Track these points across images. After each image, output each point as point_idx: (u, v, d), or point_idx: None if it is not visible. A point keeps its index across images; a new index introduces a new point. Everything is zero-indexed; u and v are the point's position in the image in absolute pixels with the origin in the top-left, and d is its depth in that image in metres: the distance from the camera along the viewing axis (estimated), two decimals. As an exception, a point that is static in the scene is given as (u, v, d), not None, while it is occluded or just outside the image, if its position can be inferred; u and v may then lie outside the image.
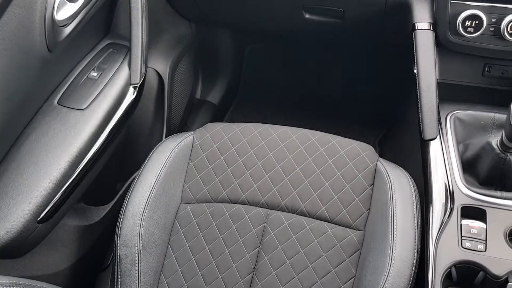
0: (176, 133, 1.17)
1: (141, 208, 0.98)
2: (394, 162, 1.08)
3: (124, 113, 1.09)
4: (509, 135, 0.89)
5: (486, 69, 1.19)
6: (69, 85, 1.07)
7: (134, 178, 1.05)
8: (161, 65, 1.43)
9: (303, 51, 1.85)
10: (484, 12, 1.01)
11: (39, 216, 0.91)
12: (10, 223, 0.87)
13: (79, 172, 0.98)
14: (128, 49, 1.13)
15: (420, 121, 1.05)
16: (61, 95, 1.05)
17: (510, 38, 1.01)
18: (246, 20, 1.49)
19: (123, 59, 1.14)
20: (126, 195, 1.02)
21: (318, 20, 1.29)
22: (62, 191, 0.95)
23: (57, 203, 0.94)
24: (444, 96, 1.17)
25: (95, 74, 1.10)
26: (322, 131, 1.12)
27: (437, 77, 1.22)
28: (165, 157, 1.06)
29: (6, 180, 0.91)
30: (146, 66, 1.15)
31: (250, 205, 1.03)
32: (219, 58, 1.80)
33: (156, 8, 1.38)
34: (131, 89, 1.12)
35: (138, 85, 1.13)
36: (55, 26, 0.95)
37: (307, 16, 1.29)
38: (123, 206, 1.00)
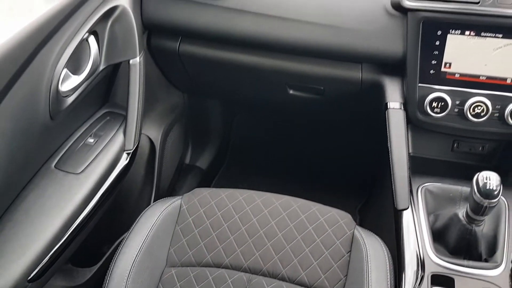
0: (165, 197, 1.23)
1: (127, 271, 1.02)
2: (372, 230, 1.14)
3: (117, 177, 1.16)
4: (473, 207, 0.97)
5: (455, 145, 1.29)
6: (66, 150, 1.14)
7: (121, 241, 1.10)
8: (154, 132, 1.52)
9: (288, 121, 1.96)
10: (449, 95, 1.12)
11: (30, 275, 0.94)
12: (2, 281, 0.90)
13: (70, 233, 1.03)
14: (124, 118, 1.22)
15: (393, 192, 1.13)
16: (59, 160, 1.12)
17: (472, 118, 1.12)
18: (234, 93, 1.61)
19: (119, 126, 1.22)
20: (113, 258, 1.06)
21: (301, 95, 1.40)
22: (53, 252, 0.99)
23: (48, 263, 0.98)
24: (417, 169, 1.26)
25: (92, 140, 1.17)
26: (305, 198, 1.18)
27: (410, 151, 1.32)
28: (152, 221, 1.11)
29: (2, 239, 0.95)
30: (140, 134, 1.23)
31: (233, 269, 1.07)
32: (209, 126, 1.90)
33: (153, 79, 1.48)
34: (124, 155, 1.19)
35: (132, 151, 1.21)
36: (58, 96, 1.04)
37: (291, 92, 1.40)
38: (109, 269, 1.04)
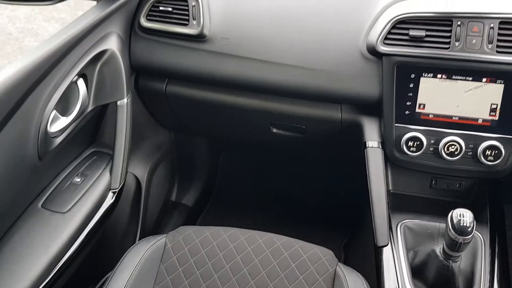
0: (150, 235, 1.25)
1: (111, 310, 1.03)
2: (356, 266, 1.16)
3: (102, 216, 1.18)
4: (448, 244, 1.00)
5: (433, 182, 1.33)
6: (53, 189, 1.16)
7: (106, 280, 1.10)
8: (140, 170, 1.54)
9: (273, 158, 2.00)
10: (424, 135, 1.18)
11: None
12: None
13: (56, 272, 1.04)
14: (111, 157, 1.25)
15: (373, 228, 1.16)
16: (45, 199, 1.14)
17: (447, 157, 1.17)
18: (220, 131, 1.65)
19: (106, 166, 1.25)
20: None
21: (284, 134, 1.45)
22: None
23: (32, 303, 0.99)
24: (397, 205, 1.29)
25: (79, 179, 1.20)
26: (291, 234, 1.21)
27: (390, 188, 1.36)
28: (137, 259, 1.12)
29: None
30: (126, 173, 1.26)
31: None
32: (195, 163, 1.93)
33: (140, 119, 1.52)
34: (110, 194, 1.21)
35: (117, 190, 1.23)
36: (47, 138, 1.07)
37: (274, 130, 1.44)
38: None
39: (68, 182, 1.19)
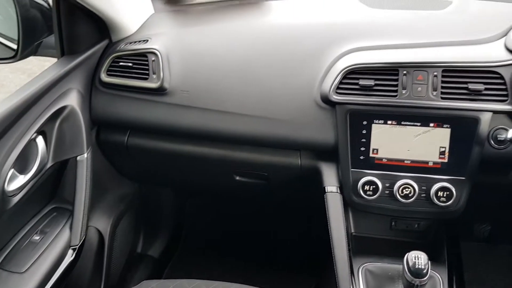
0: (114, 290, 1.23)
1: None
2: None
3: (62, 274, 1.15)
4: (406, 286, 1.03)
5: (393, 223, 1.37)
6: (11, 249, 1.14)
7: None
8: (103, 224, 1.52)
9: (240, 205, 2.01)
10: (379, 179, 1.22)
11: None
12: None
13: None
14: (71, 213, 1.23)
15: (335, 273, 1.17)
16: (3, 259, 1.11)
17: (401, 200, 1.21)
18: (184, 181, 1.66)
19: (66, 222, 1.24)
20: None
21: (247, 181, 1.47)
22: None
23: None
24: (359, 248, 1.32)
25: (37, 237, 1.18)
26: (258, 282, 1.20)
27: (353, 231, 1.39)
28: None
29: None
30: (87, 228, 1.25)
31: None
32: (161, 213, 1.92)
33: (102, 171, 1.52)
34: (70, 251, 1.19)
35: (78, 246, 1.21)
36: (4, 197, 1.05)
37: (237, 178, 1.46)
38: None
39: (27, 241, 1.17)
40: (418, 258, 1.00)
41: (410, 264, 1.00)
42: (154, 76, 1.31)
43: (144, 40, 1.36)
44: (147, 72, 1.31)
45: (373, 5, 1.41)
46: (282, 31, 1.34)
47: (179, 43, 1.35)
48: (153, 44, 1.33)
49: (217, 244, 1.99)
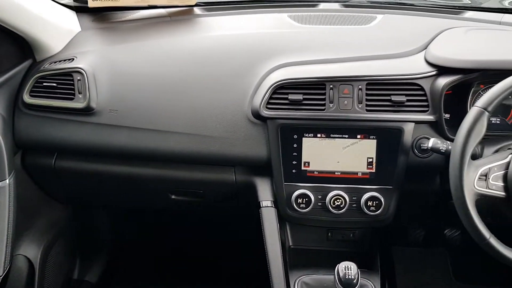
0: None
1: None
2: None
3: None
4: (338, 295, 1.04)
5: (329, 234, 1.39)
6: None
7: None
8: (33, 251, 1.45)
9: (179, 223, 1.98)
10: (311, 191, 1.23)
11: None
12: None
13: None
14: None
15: (271, 287, 1.17)
16: None
17: (333, 211, 1.23)
18: (118, 202, 1.61)
19: (-13, 252, 1.16)
20: None
21: (183, 199, 1.44)
22: None
23: None
24: (296, 261, 1.33)
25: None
26: None
27: (291, 244, 1.40)
28: None
29: None
30: (11, 258, 1.18)
31: None
32: (98, 236, 1.85)
33: (29, 196, 1.45)
34: (-8, 284, 1.12)
35: (2, 276, 1.14)
36: None
37: (173, 197, 1.44)
38: None
39: None
40: (348, 268, 1.02)
41: (341, 275, 1.01)
42: (80, 96, 1.27)
43: (69, 59, 1.32)
44: (72, 92, 1.27)
45: (301, 21, 1.44)
46: (212, 48, 1.34)
47: (107, 61, 1.32)
48: (79, 63, 1.29)
49: (157, 266, 1.94)
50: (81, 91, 1.26)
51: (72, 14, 1.50)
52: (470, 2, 1.78)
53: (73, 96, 1.27)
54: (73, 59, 1.32)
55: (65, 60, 1.32)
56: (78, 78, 1.27)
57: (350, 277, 1.00)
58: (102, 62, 1.31)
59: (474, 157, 1.11)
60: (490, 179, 1.03)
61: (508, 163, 1.04)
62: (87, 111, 1.26)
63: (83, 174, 1.38)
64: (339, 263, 1.21)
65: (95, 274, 1.79)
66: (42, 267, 1.46)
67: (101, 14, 1.53)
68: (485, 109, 1.01)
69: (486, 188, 1.02)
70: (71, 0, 1.54)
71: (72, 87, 1.27)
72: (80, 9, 1.52)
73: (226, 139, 1.25)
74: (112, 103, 1.27)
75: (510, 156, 1.05)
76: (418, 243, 1.81)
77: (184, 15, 1.53)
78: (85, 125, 1.28)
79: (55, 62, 1.32)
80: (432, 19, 1.47)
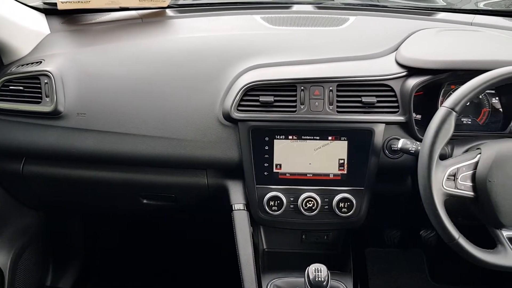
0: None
1: None
2: None
3: None
4: (309, 298, 1.03)
5: (303, 237, 1.39)
6: None
7: None
8: (2, 259, 1.41)
9: (150, 228, 1.95)
10: (283, 193, 1.23)
11: None
12: None
13: None
14: None
15: (243, 291, 1.16)
16: None
17: (305, 213, 1.22)
18: (88, 207, 1.58)
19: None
20: None
21: (155, 204, 1.42)
22: None
23: None
24: (270, 264, 1.32)
25: None
26: None
27: (265, 247, 1.39)
28: None
29: None
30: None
31: None
32: (70, 242, 1.82)
33: (-2, 202, 1.42)
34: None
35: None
36: None
37: (144, 201, 1.42)
38: None
39: None
40: (318, 270, 1.01)
41: (311, 277, 1.01)
42: (47, 99, 1.24)
43: (37, 62, 1.29)
44: (39, 95, 1.25)
45: (274, 23, 1.44)
46: (183, 50, 1.33)
47: (75, 64, 1.29)
48: (46, 66, 1.27)
49: (132, 271, 1.91)
50: (48, 94, 1.24)
51: (41, 17, 1.47)
52: (444, 4, 1.80)
53: (40, 100, 1.25)
54: (41, 62, 1.29)
55: (32, 63, 1.29)
56: (45, 81, 1.24)
57: (320, 279, 1.00)
58: (70, 64, 1.29)
59: (444, 157, 1.11)
60: (459, 179, 1.03)
61: (476, 163, 1.04)
62: (55, 114, 1.24)
63: (52, 179, 1.35)
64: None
65: (69, 280, 1.76)
66: (12, 274, 1.43)
67: (71, 16, 1.51)
68: (453, 109, 1.01)
69: (455, 188, 1.02)
70: (41, 3, 1.51)
71: (39, 90, 1.25)
72: (50, 11, 1.49)
73: (197, 142, 1.23)
74: (80, 107, 1.25)
75: (478, 156, 1.05)
76: (394, 244, 1.81)
77: (156, 17, 1.51)
78: (52, 129, 1.25)
79: (22, 65, 1.30)
80: (405, 21, 1.48)
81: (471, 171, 1.04)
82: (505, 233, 1.04)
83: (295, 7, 1.59)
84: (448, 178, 1.02)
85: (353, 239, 1.40)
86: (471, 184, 1.03)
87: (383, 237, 1.80)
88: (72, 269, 1.79)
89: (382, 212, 1.38)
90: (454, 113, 1.01)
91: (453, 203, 1.06)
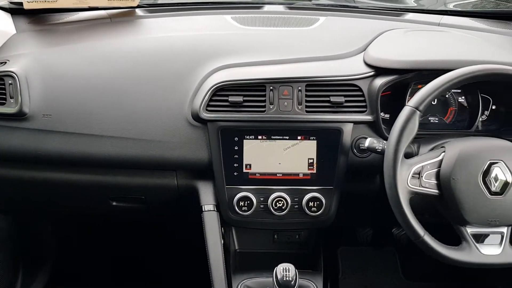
0: None
1: None
2: None
3: None
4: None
5: (275, 237, 1.39)
6: None
7: None
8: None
9: (121, 231, 1.92)
10: (253, 194, 1.23)
11: None
12: None
13: None
14: None
15: (213, 292, 1.16)
16: None
17: (275, 213, 1.23)
18: (57, 209, 1.56)
19: None
20: None
21: (125, 206, 1.41)
22: None
23: None
24: (242, 264, 1.31)
25: None
26: None
27: (237, 248, 1.38)
28: None
29: None
30: None
31: None
32: (41, 245, 1.78)
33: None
34: None
35: None
36: None
37: (113, 203, 1.40)
38: None
39: None
40: (286, 270, 1.01)
41: (279, 276, 1.01)
42: (12, 100, 1.22)
43: (1, 63, 1.27)
44: (4, 96, 1.22)
45: (244, 23, 1.44)
46: (152, 49, 1.31)
47: (41, 64, 1.27)
48: (11, 66, 1.24)
49: (104, 275, 1.89)
50: (12, 95, 1.21)
51: (6, 16, 1.44)
52: (413, 4, 1.82)
53: (4, 101, 1.22)
54: (5, 62, 1.27)
55: None
56: (10, 82, 1.22)
57: (288, 278, 1.00)
58: (36, 65, 1.26)
59: (410, 155, 1.13)
60: (423, 177, 1.04)
61: (440, 161, 1.06)
62: (19, 116, 1.21)
63: (18, 182, 1.32)
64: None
65: (39, 285, 1.72)
66: (-23, 280, 1.40)
67: (38, 16, 1.48)
68: (417, 108, 1.03)
69: (419, 186, 1.04)
70: (7, 2, 1.48)
71: (3, 91, 1.22)
72: (16, 11, 1.47)
73: (166, 143, 1.22)
74: (46, 108, 1.22)
75: (442, 154, 1.07)
76: (367, 242, 1.83)
77: (125, 16, 1.49)
78: (17, 131, 1.23)
79: None
80: (374, 21, 1.49)
81: (436, 169, 1.05)
82: (469, 230, 1.06)
83: (266, 7, 1.60)
84: (413, 176, 1.04)
85: (326, 238, 1.41)
86: (435, 182, 1.05)
87: (356, 236, 1.81)
88: (43, 273, 1.76)
89: (352, 211, 1.39)
90: (418, 112, 1.03)
91: (419, 201, 1.07)
